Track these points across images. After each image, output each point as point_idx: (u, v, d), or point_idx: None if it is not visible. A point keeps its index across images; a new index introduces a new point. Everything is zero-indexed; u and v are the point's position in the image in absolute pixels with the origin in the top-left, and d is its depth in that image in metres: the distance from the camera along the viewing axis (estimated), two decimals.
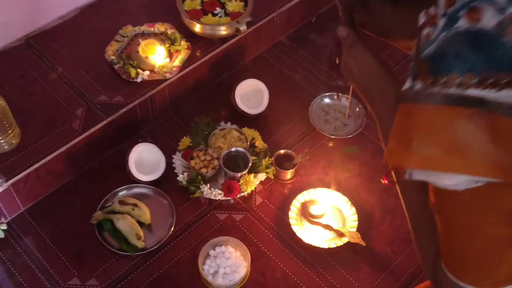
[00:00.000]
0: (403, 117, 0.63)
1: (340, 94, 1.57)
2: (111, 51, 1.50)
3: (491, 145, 0.56)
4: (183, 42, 1.53)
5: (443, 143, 0.58)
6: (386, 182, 1.08)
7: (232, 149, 1.39)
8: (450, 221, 0.67)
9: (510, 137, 0.56)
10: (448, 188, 0.62)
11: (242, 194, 1.37)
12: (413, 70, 0.62)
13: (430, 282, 0.78)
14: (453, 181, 0.61)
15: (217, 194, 1.36)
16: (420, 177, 0.63)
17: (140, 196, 1.37)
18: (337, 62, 1.61)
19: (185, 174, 1.38)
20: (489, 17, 0.55)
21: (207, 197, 1.37)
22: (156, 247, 1.29)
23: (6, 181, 1.26)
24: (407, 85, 0.62)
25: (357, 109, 1.56)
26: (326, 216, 1.35)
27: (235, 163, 1.38)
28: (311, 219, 1.34)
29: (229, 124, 1.49)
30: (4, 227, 1.29)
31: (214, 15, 1.57)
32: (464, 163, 0.57)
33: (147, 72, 1.46)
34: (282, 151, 1.43)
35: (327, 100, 1.58)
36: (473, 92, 0.56)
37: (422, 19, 0.64)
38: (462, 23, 0.56)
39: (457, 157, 0.58)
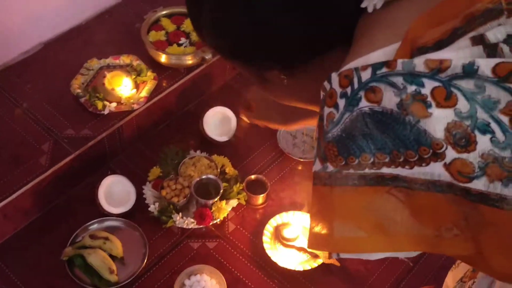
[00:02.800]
0: (320, 200, 0.61)
1: None
2: (76, 84, 1.49)
3: (412, 219, 0.55)
4: (149, 73, 1.53)
5: (365, 224, 0.57)
6: None
7: (203, 177, 1.39)
8: None
9: (427, 211, 0.55)
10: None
11: (215, 222, 1.37)
12: (321, 152, 0.60)
13: None
14: (380, 256, 0.62)
15: (189, 223, 1.35)
16: (348, 256, 0.63)
17: (111, 229, 1.35)
18: None
19: (156, 204, 1.37)
20: (389, 97, 0.53)
21: (179, 226, 1.36)
22: (129, 280, 1.27)
23: None
24: (317, 167, 0.60)
25: None
26: (299, 238, 1.35)
27: (207, 190, 1.38)
28: (285, 242, 1.35)
29: (198, 152, 1.50)
30: None
31: (179, 45, 1.58)
32: (389, 240, 0.57)
33: (114, 104, 1.46)
34: (252, 177, 1.44)
35: None
36: (387, 170, 0.55)
37: (322, 94, 0.62)
38: (364, 104, 0.55)
39: (381, 236, 0.57)
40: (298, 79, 0.70)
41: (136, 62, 1.55)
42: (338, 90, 0.57)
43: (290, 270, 1.29)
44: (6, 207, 1.28)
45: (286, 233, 1.35)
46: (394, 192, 0.55)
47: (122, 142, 1.49)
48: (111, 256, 1.29)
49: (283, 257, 1.33)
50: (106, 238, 1.30)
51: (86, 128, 1.42)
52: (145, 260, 1.30)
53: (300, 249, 1.34)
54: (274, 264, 1.30)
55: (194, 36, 1.60)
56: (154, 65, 1.55)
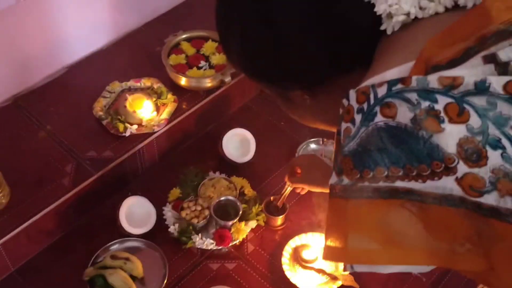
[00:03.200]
0: (335, 213, 0.62)
1: (325, 140, 1.61)
2: (98, 107, 1.53)
3: (426, 233, 0.56)
4: (169, 96, 1.56)
5: (379, 236, 0.58)
6: None
7: (222, 198, 1.41)
8: None
9: (441, 225, 0.56)
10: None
11: (234, 243, 1.38)
12: (337, 165, 0.62)
13: None
14: (393, 270, 0.62)
15: (209, 244, 1.36)
16: (362, 269, 0.63)
17: (131, 250, 1.37)
18: None
19: (176, 225, 1.39)
20: (403, 112, 0.55)
21: (199, 247, 1.37)
22: None
23: None
24: (333, 180, 0.62)
25: None
26: (318, 260, 1.35)
27: (226, 212, 1.40)
28: (304, 264, 1.35)
29: (217, 173, 1.51)
30: None
31: (199, 68, 1.61)
32: (402, 254, 0.58)
33: (135, 126, 1.48)
34: (271, 198, 1.44)
35: (312, 146, 1.62)
36: (400, 184, 0.56)
37: (340, 111, 0.64)
38: (380, 119, 0.57)
39: (394, 248, 0.58)
40: (321, 99, 0.73)
41: (157, 85, 1.59)
42: (355, 105, 0.59)
43: None
44: (30, 228, 1.31)
45: (305, 254, 1.35)
46: (407, 205, 0.56)
47: (143, 164, 1.51)
48: (131, 276, 1.30)
49: (302, 279, 1.33)
50: (127, 259, 1.32)
51: (108, 150, 1.45)
52: (165, 281, 1.31)
53: (319, 271, 1.34)
54: (293, 286, 1.30)
55: (213, 59, 1.63)
56: (174, 88, 1.58)
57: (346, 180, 0.60)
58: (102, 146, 1.46)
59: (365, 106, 0.58)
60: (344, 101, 0.61)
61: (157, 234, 1.40)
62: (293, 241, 1.38)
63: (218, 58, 1.63)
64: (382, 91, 0.57)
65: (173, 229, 1.39)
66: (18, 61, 1.52)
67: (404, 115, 0.55)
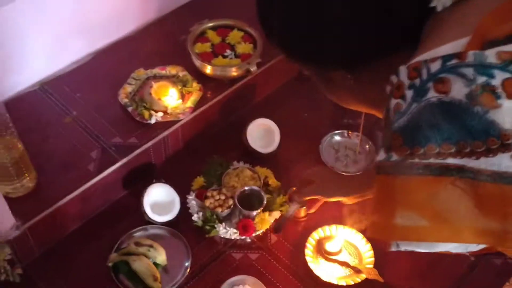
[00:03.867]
0: (383, 189, 0.62)
1: (350, 132, 1.60)
2: (124, 94, 1.53)
3: (476, 211, 0.56)
4: (194, 84, 1.56)
5: (428, 213, 0.58)
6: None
7: (246, 188, 1.40)
8: None
9: (493, 203, 0.55)
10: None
11: (257, 233, 1.37)
12: (386, 142, 0.61)
13: None
14: (442, 248, 0.61)
15: (232, 233, 1.36)
16: (408, 248, 0.62)
17: (155, 237, 1.37)
18: None
19: (200, 213, 1.39)
20: (458, 88, 0.55)
21: (222, 236, 1.37)
22: None
23: (22, 224, 1.26)
24: (381, 156, 0.62)
25: (367, 146, 1.57)
26: (342, 253, 1.35)
27: (250, 202, 1.39)
28: (327, 256, 1.34)
29: (241, 163, 1.51)
30: (20, 271, 1.28)
31: (224, 57, 1.60)
32: (452, 231, 0.57)
33: (160, 114, 1.48)
34: (295, 188, 1.43)
35: (337, 138, 1.60)
36: (452, 161, 0.56)
37: (388, 88, 0.64)
38: (432, 94, 0.56)
39: (444, 226, 0.57)
40: (364, 80, 0.72)
41: (182, 73, 1.58)
42: (406, 81, 0.59)
43: (332, 284, 1.28)
44: (55, 213, 1.31)
45: (328, 246, 1.34)
46: (458, 183, 0.56)
47: (167, 151, 1.51)
48: (155, 264, 1.31)
49: (325, 271, 1.32)
50: (151, 246, 1.32)
51: (133, 137, 1.45)
52: (188, 269, 1.31)
53: (343, 263, 1.33)
54: (316, 278, 1.29)
55: (239, 48, 1.62)
56: (200, 76, 1.58)
57: (395, 157, 0.59)
58: (127, 133, 1.46)
59: (417, 82, 0.58)
60: (393, 78, 0.61)
61: (180, 222, 1.40)
62: (316, 232, 1.37)
63: (243, 47, 1.62)
64: (435, 66, 0.56)
65: (196, 217, 1.38)
66: (46, 46, 1.53)
67: (458, 90, 0.55)
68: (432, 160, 0.56)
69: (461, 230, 0.56)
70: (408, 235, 0.59)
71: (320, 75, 0.76)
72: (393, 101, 0.60)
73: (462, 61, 0.54)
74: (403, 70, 0.60)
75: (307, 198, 1.35)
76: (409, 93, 0.58)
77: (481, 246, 0.61)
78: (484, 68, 0.53)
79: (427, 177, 0.57)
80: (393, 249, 0.62)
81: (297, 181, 1.39)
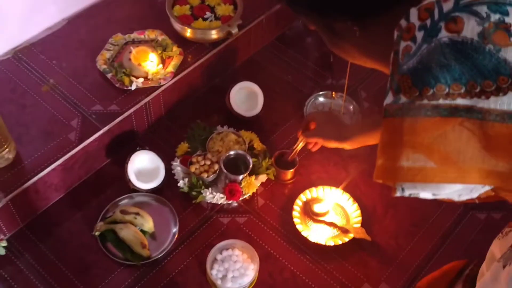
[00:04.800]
0: (389, 131, 0.62)
1: (334, 93, 1.58)
2: (102, 60, 1.48)
3: (484, 152, 0.56)
4: (175, 48, 1.52)
5: (435, 154, 0.58)
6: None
7: (231, 152, 1.39)
8: None
9: (502, 143, 0.56)
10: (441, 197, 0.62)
11: (244, 197, 1.37)
12: (394, 84, 0.61)
13: None
14: (447, 190, 0.61)
15: (219, 198, 1.35)
16: (413, 191, 0.62)
17: (141, 205, 1.35)
18: (331, 60, 1.63)
19: (186, 180, 1.37)
20: (471, 26, 0.55)
21: (209, 201, 1.36)
22: (161, 255, 1.28)
23: (4, 196, 1.23)
24: (389, 99, 0.61)
25: (351, 107, 1.56)
26: (329, 213, 1.35)
27: (235, 166, 1.38)
28: (315, 217, 1.35)
29: (225, 127, 1.49)
30: (4, 243, 1.26)
31: (204, 19, 1.56)
32: (458, 172, 0.57)
33: (141, 80, 1.45)
34: (281, 151, 1.43)
35: (321, 99, 1.59)
36: (461, 101, 0.56)
37: (395, 34, 0.63)
38: (444, 34, 0.56)
39: (451, 167, 0.57)
40: (371, 32, 0.70)
41: (161, 37, 1.54)
42: (417, 23, 0.58)
43: (320, 245, 1.29)
44: (37, 184, 1.29)
45: (316, 208, 1.34)
46: (467, 124, 0.56)
47: (150, 118, 1.48)
48: (142, 231, 1.30)
49: (313, 232, 1.33)
50: (137, 213, 1.31)
51: (113, 104, 1.41)
52: (176, 235, 1.31)
53: (331, 224, 1.34)
54: (304, 239, 1.30)
55: (219, 10, 1.58)
56: (179, 40, 1.54)
57: (403, 99, 0.59)
58: (108, 100, 1.42)
59: (428, 22, 0.57)
60: (403, 22, 0.60)
61: (166, 189, 1.39)
62: (303, 194, 1.37)
63: (223, 9, 1.58)
64: (448, 5, 0.56)
65: (182, 184, 1.37)
66: (17, 11, 1.47)
67: (471, 29, 0.54)
68: (441, 101, 0.56)
69: (468, 171, 0.56)
70: (414, 176, 0.59)
71: (326, 28, 0.74)
72: (403, 44, 0.60)
73: None
74: (413, 12, 0.59)
75: (309, 140, 1.33)
76: (419, 35, 0.58)
77: (486, 188, 0.60)
78: (498, 6, 0.53)
79: (435, 118, 0.57)
80: (398, 194, 0.62)
81: (303, 120, 1.37)
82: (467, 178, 0.57)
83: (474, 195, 0.60)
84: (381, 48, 0.69)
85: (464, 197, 0.61)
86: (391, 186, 0.64)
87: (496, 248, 0.93)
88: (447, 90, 0.56)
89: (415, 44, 0.58)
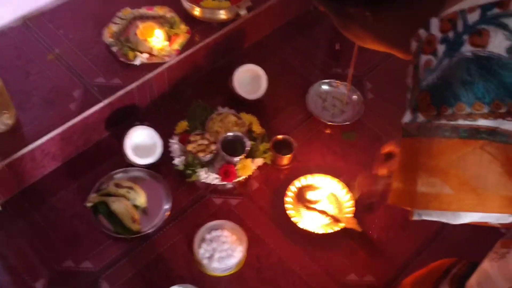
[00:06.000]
0: (406, 153, 0.58)
1: (338, 82, 1.57)
2: (109, 33, 1.49)
3: (506, 178, 0.52)
4: (182, 26, 1.52)
5: (452, 180, 0.54)
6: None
7: (230, 134, 1.38)
8: None
9: None
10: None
11: (239, 179, 1.37)
12: (412, 101, 0.57)
13: None
14: (466, 219, 0.57)
15: (213, 179, 1.35)
16: (430, 218, 0.58)
17: (136, 180, 1.36)
18: (336, 48, 1.61)
19: (182, 158, 1.37)
20: (498, 40, 0.50)
21: (203, 181, 1.36)
22: (151, 230, 1.29)
23: (1, 160, 1.25)
24: (407, 118, 0.58)
25: (355, 96, 1.55)
26: (322, 202, 1.34)
27: (233, 147, 1.38)
28: (308, 204, 1.34)
29: (226, 108, 1.48)
30: None
31: None
32: (477, 199, 0.53)
33: (145, 55, 1.45)
34: (279, 136, 1.42)
35: (325, 87, 1.58)
36: (484, 122, 0.51)
37: (413, 44, 0.59)
38: (467, 48, 0.51)
39: (469, 194, 0.53)
40: (383, 17, 0.66)
41: (170, 14, 1.54)
42: (439, 35, 0.54)
43: (310, 232, 1.28)
44: (35, 151, 1.30)
45: (309, 195, 1.34)
46: (488, 148, 0.52)
47: (152, 94, 1.48)
48: (134, 205, 1.31)
49: (304, 219, 1.32)
50: (131, 188, 1.32)
51: (116, 78, 1.42)
52: (168, 212, 1.31)
53: (322, 212, 1.33)
54: (294, 225, 1.29)
55: None
56: (188, 18, 1.53)
57: (421, 117, 0.55)
58: (111, 73, 1.43)
59: (450, 34, 0.53)
60: (422, 32, 0.56)
61: (162, 166, 1.39)
62: (298, 181, 1.36)
63: None
64: (473, 17, 0.51)
65: (178, 161, 1.37)
66: None
67: (498, 43, 0.50)
68: (460, 122, 0.52)
69: (487, 198, 0.53)
70: (429, 203, 0.56)
71: (338, 12, 0.71)
72: (423, 58, 0.56)
73: (504, 10, 0.50)
74: (434, 22, 0.54)
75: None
76: (441, 48, 0.53)
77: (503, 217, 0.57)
78: None
79: (454, 140, 0.53)
80: (415, 218, 0.58)
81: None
82: (485, 206, 0.53)
83: (502, 222, 0.56)
84: (393, 33, 0.65)
85: (500, 221, 0.57)
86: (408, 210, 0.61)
87: (495, 272, 0.89)
88: (468, 109, 0.51)
89: (437, 58, 0.54)
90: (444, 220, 0.58)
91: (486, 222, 0.60)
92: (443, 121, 0.53)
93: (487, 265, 0.92)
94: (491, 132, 0.51)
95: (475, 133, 0.52)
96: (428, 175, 0.55)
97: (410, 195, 0.57)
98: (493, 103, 0.51)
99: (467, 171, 0.53)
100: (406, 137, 0.57)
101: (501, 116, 0.51)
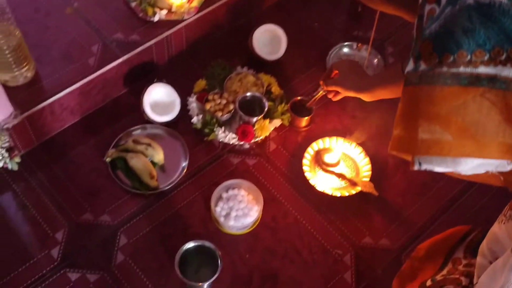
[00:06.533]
0: (407, 101, 0.59)
1: (359, 44, 1.54)
2: None
3: (505, 125, 0.53)
4: None
5: (452, 126, 0.55)
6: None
7: (248, 94, 1.37)
8: None
9: None
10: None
11: (257, 140, 1.36)
12: (415, 50, 0.58)
13: None
14: (465, 166, 0.58)
15: (231, 138, 1.35)
16: (430, 166, 0.59)
17: (154, 137, 1.36)
18: (359, 10, 1.58)
19: (200, 116, 1.37)
20: None
21: (221, 140, 1.36)
22: (168, 187, 1.29)
23: (21, 113, 1.25)
24: (409, 67, 0.58)
25: (376, 60, 1.53)
26: (340, 165, 1.34)
27: (251, 108, 1.37)
28: (325, 167, 1.34)
29: (245, 69, 1.47)
30: (18, 159, 1.28)
31: None
32: (476, 145, 0.54)
33: (164, 11, 1.43)
34: (298, 98, 1.41)
35: (345, 50, 1.55)
36: (484, 69, 0.52)
37: None
38: None
39: (468, 140, 0.55)
40: None
41: None
42: None
43: (327, 195, 1.29)
44: (54, 104, 1.30)
45: (327, 158, 1.34)
46: (488, 95, 0.53)
47: (170, 52, 1.47)
48: (152, 162, 1.31)
49: (321, 181, 1.32)
50: (149, 144, 1.32)
51: (135, 34, 1.40)
52: (185, 170, 1.32)
53: (340, 175, 1.33)
54: (311, 187, 1.30)
55: None
56: None
57: (423, 66, 0.56)
58: (129, 29, 1.41)
59: None
60: None
61: (180, 124, 1.39)
62: (316, 143, 1.36)
63: None
64: None
65: (196, 120, 1.37)
66: None
67: None
68: (461, 69, 0.53)
69: (486, 144, 0.54)
70: (429, 149, 0.57)
71: None
72: (427, 7, 0.57)
73: None
74: None
75: (329, 88, 1.26)
76: None
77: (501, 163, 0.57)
78: None
79: (454, 88, 0.54)
80: (416, 167, 0.59)
81: (327, 68, 1.29)
82: (484, 152, 0.54)
83: (503, 169, 0.57)
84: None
85: (499, 169, 0.57)
86: (409, 160, 0.61)
87: (503, 234, 0.90)
88: (469, 57, 0.52)
89: (439, 6, 0.55)
90: (443, 168, 0.59)
91: (489, 177, 0.60)
92: (445, 69, 0.54)
93: (496, 228, 0.94)
94: (491, 79, 0.52)
95: (475, 80, 0.53)
96: (429, 122, 0.56)
97: (411, 142, 0.58)
98: (494, 49, 0.52)
99: (467, 118, 0.54)
100: (407, 86, 0.58)
101: (501, 63, 0.52)
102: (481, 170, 0.58)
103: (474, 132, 0.54)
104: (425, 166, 0.59)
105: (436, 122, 0.56)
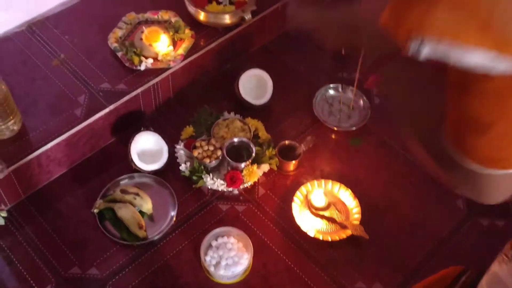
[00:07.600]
0: None
1: (344, 86, 1.56)
2: (114, 38, 1.48)
3: None
4: (187, 31, 1.51)
5: (480, 15, 0.49)
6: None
7: (235, 139, 1.38)
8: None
9: None
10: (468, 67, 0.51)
11: (245, 185, 1.36)
12: None
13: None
14: (472, 60, 0.51)
15: (219, 185, 1.35)
16: (427, 53, 0.51)
17: (142, 186, 1.36)
18: (342, 52, 1.60)
19: (188, 164, 1.37)
20: None
21: (209, 187, 1.35)
22: (157, 237, 1.28)
23: (7, 167, 1.24)
24: None
25: (362, 102, 1.54)
26: (329, 208, 1.34)
27: (238, 153, 1.37)
28: (314, 211, 1.33)
29: (232, 114, 1.48)
30: (4, 214, 1.27)
31: (218, 3, 1.55)
32: (499, 41, 0.49)
33: (150, 60, 1.44)
34: (286, 142, 1.42)
35: (331, 92, 1.57)
36: None
37: None
38: None
39: (491, 34, 0.49)
40: None
41: (175, 19, 1.53)
42: None
43: (317, 240, 1.28)
44: (41, 157, 1.30)
45: (316, 202, 1.33)
46: None
47: (157, 99, 1.48)
48: (140, 212, 1.30)
49: (311, 225, 1.31)
50: (137, 194, 1.31)
51: (122, 83, 1.41)
52: (174, 219, 1.31)
53: (329, 219, 1.33)
54: (302, 232, 1.29)
55: None
56: (192, 23, 1.53)
57: None
58: (116, 78, 1.42)
59: None
60: None
61: (168, 172, 1.39)
62: (304, 187, 1.36)
63: None
64: None
65: (184, 167, 1.37)
66: None
67: None
68: None
69: (503, 37, 0.48)
70: (445, 32, 0.50)
71: None
72: None
73: None
74: None
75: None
76: None
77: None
78: None
79: None
80: (413, 45, 0.52)
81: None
82: (500, 44, 0.49)
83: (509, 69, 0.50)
84: None
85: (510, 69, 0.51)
86: (401, 37, 0.52)
87: (504, 273, 0.87)
88: None
89: None
90: (445, 59, 0.52)
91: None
92: None
93: (497, 268, 0.92)
94: None
95: None
96: (453, 4, 0.50)
97: (426, 17, 0.50)
98: None
99: (498, 10, 0.49)
100: None
101: None
102: (490, 65, 0.51)
103: (489, 22, 0.49)
104: (424, 53, 0.52)
105: (462, 6, 0.50)
